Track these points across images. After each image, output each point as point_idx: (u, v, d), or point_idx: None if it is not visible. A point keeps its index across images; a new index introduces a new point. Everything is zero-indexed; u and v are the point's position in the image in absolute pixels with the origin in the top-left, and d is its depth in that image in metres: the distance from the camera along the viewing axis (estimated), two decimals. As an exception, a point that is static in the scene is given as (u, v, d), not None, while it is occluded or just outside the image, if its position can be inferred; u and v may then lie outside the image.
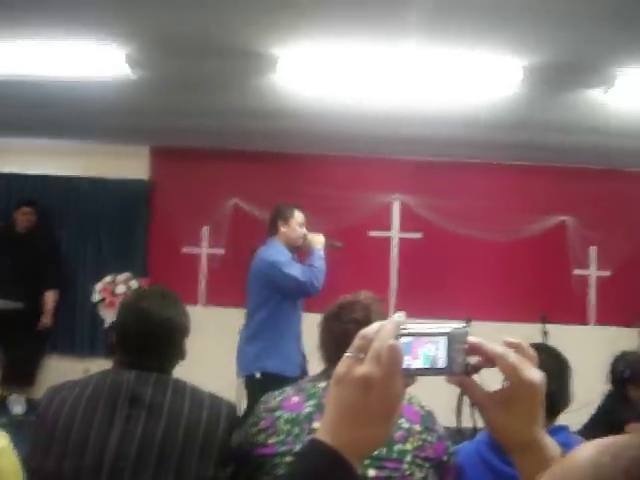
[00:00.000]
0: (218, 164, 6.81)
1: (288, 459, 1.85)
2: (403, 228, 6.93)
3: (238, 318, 6.57)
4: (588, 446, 0.58)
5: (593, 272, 6.90)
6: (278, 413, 1.92)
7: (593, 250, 6.85)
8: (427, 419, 1.93)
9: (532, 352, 0.90)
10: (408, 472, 1.80)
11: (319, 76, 4.59)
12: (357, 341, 0.85)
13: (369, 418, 0.81)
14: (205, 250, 6.95)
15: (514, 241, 6.71)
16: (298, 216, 4.56)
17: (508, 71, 4.13)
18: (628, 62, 4.19)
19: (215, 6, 3.78)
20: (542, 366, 2.20)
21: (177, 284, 6.75)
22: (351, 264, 6.77)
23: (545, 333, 6.22)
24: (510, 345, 0.88)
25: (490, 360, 0.86)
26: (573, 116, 5.14)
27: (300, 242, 4.48)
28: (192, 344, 6.74)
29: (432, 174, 6.81)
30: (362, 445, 0.83)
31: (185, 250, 6.93)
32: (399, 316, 0.87)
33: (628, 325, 6.64)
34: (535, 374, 0.86)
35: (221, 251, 6.89)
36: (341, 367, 0.85)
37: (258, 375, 4.28)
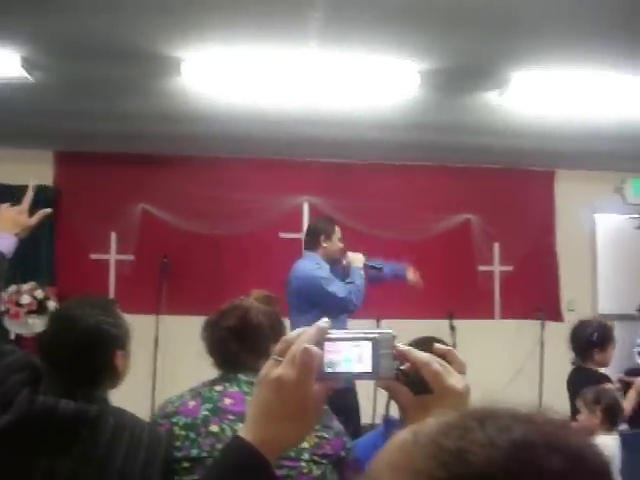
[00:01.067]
0: (124, 168, 6.68)
1: (185, 464, 1.85)
2: (313, 229, 6.97)
3: (150, 325, 6.51)
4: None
5: (497, 267, 7.17)
6: (175, 419, 1.92)
7: (496, 246, 7.11)
8: (324, 416, 1.97)
9: (461, 360, 0.93)
10: (306, 470, 1.84)
11: (224, 79, 4.56)
12: (279, 344, 0.89)
13: (283, 417, 0.85)
14: (114, 256, 6.81)
15: (421, 240, 6.88)
16: (338, 231, 4.70)
17: (406, 75, 4.24)
18: (521, 66, 4.37)
19: (117, 8, 3.71)
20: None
21: (85, 291, 6.62)
22: (263, 265, 6.79)
23: (452, 328, 6.42)
24: (439, 351, 0.93)
25: (415, 366, 0.89)
26: (471, 118, 5.33)
27: (338, 256, 4.54)
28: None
29: (340, 176, 6.91)
30: (277, 442, 0.87)
31: (93, 257, 6.77)
32: (324, 322, 0.90)
33: (530, 317, 6.93)
34: (458, 382, 0.89)
35: (130, 257, 6.77)
36: (263, 369, 0.89)
37: None
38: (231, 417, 1.90)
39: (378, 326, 6.50)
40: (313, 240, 4.63)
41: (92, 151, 6.54)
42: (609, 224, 7.71)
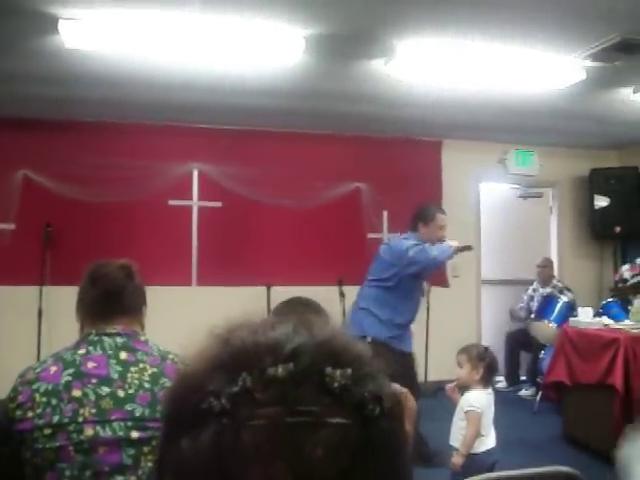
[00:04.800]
0: (3, 132, 6.35)
1: (47, 432, 1.80)
2: (203, 197, 6.90)
3: (33, 296, 6.28)
4: None
5: (385, 235, 7.32)
6: (35, 386, 1.86)
7: (385, 214, 7.26)
8: None
9: (411, 402, 0.94)
10: None
11: (106, 38, 4.36)
12: None
13: None
14: (-8, 225, 6.49)
15: (311, 208, 6.93)
16: (439, 219, 4.81)
17: (290, 41, 4.21)
18: (406, 34, 4.41)
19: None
20: (303, 318, 2.31)
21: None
22: (152, 234, 6.68)
23: (342, 294, 6.53)
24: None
25: None
26: (357, 86, 5.36)
27: (435, 242, 4.69)
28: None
29: (230, 143, 6.84)
30: None
31: (-30, 226, 6.44)
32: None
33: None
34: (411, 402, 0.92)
35: (11, 226, 6.47)
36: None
37: None
38: (94, 381, 1.86)
39: (268, 293, 6.53)
40: (414, 223, 4.92)
41: (-34, 114, 6.18)
42: (492, 193, 8.02)
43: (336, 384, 0.56)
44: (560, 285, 7.23)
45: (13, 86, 5.46)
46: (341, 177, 7.08)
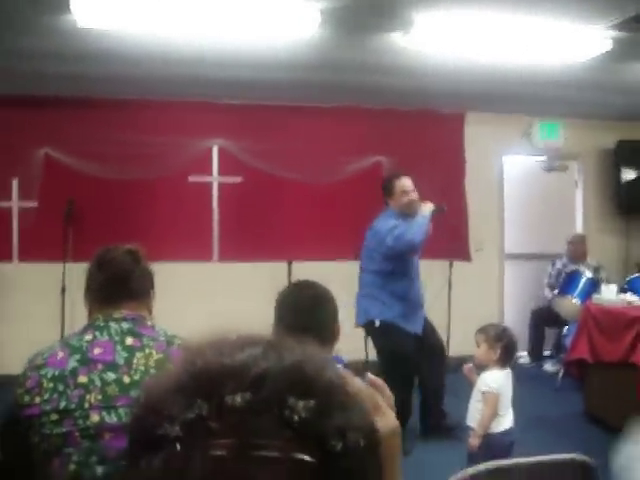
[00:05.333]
0: (25, 111, 6.38)
1: (54, 417, 1.82)
2: (223, 173, 6.89)
3: (56, 273, 6.34)
4: None
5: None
6: (43, 371, 1.87)
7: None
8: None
9: (389, 393, 0.91)
10: None
11: (124, 14, 4.31)
12: None
13: None
14: (16, 204, 6.55)
15: (332, 182, 6.88)
16: (399, 185, 4.77)
17: (305, 13, 4.14)
18: (424, 6, 4.32)
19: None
20: (299, 302, 2.27)
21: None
22: (173, 210, 6.70)
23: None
24: (372, 383, 0.91)
25: None
26: (375, 59, 5.27)
27: (410, 209, 4.68)
28: (9, 301, 6.44)
29: (250, 118, 6.79)
30: None
31: (-6, 205, 6.51)
32: None
33: (439, 258, 7.03)
34: (387, 424, 0.89)
35: (33, 204, 6.53)
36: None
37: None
38: (100, 367, 1.87)
39: (289, 268, 6.51)
40: (384, 200, 4.88)
41: (-13, 92, 6.21)
42: (516, 166, 7.89)
43: (296, 417, 0.53)
44: (594, 264, 7.03)
45: (31, 64, 5.45)
46: (362, 151, 7.01)
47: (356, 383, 0.88)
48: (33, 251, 6.46)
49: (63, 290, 6.32)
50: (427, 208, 4.72)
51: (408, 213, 4.72)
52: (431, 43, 4.88)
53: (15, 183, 6.53)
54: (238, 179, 6.85)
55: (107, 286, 2.04)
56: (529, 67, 5.56)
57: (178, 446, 0.52)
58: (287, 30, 4.42)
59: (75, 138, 6.45)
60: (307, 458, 0.52)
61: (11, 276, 6.47)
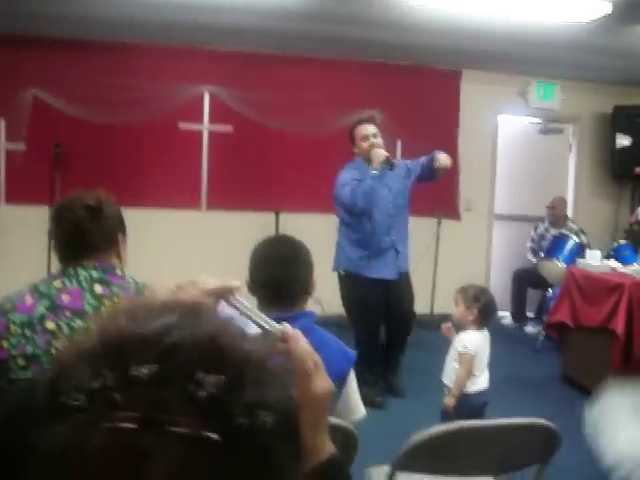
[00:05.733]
0: (12, 51, 6.24)
1: (20, 362, 1.82)
2: (214, 121, 6.80)
3: (42, 216, 6.30)
4: None
5: (399, 166, 7.20)
6: (11, 316, 1.87)
7: (398, 143, 7.11)
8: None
9: (302, 347, 0.89)
10: None
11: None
12: (184, 282, 0.86)
13: None
14: (3, 145, 6.47)
15: (323, 134, 6.80)
16: (359, 132, 4.73)
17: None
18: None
19: None
20: (277, 256, 2.25)
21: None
22: (162, 156, 6.64)
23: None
24: (285, 334, 0.87)
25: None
26: (369, 11, 5.16)
27: (370, 156, 4.58)
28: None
29: (243, 66, 6.68)
30: None
31: (-20, 144, 6.43)
32: (235, 283, 0.88)
33: (428, 215, 7.03)
34: (320, 386, 0.86)
35: (21, 146, 6.45)
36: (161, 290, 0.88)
37: None
38: (68, 314, 1.87)
39: (277, 219, 6.50)
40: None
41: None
42: (511, 126, 7.83)
43: (203, 392, 0.51)
44: (575, 227, 7.06)
45: (20, 4, 5.32)
46: (355, 104, 6.90)
47: (301, 346, 0.88)
48: (20, 193, 6.41)
49: (50, 233, 6.29)
50: (376, 160, 4.56)
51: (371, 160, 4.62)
52: (428, -2, 4.78)
53: (2, 124, 6.43)
54: (229, 128, 6.76)
55: (67, 243, 2.03)
56: (528, 26, 5.46)
57: (79, 417, 0.50)
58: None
59: (64, 80, 6.34)
60: (212, 436, 0.50)
61: (-3, 218, 6.43)
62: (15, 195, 6.45)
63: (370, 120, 4.96)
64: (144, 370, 0.51)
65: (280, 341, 0.87)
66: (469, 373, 3.48)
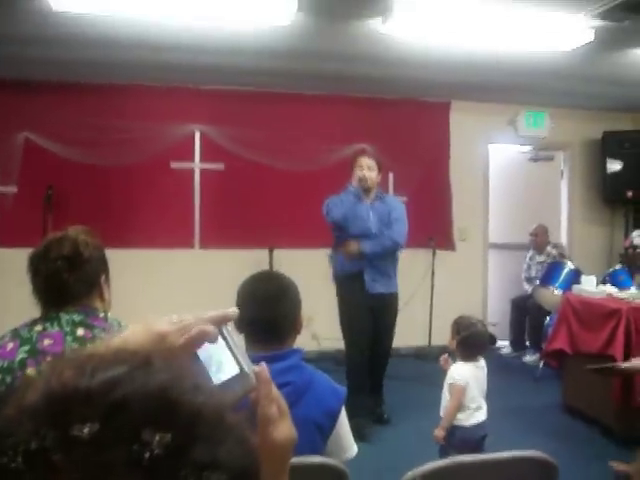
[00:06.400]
0: (4, 95, 6.29)
1: None
2: (205, 159, 6.82)
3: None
4: None
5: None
6: None
7: (390, 176, 7.13)
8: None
9: (284, 404, 0.87)
10: None
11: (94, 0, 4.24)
12: (185, 315, 0.86)
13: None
14: (-5, 188, 6.48)
15: (315, 170, 6.82)
16: (357, 161, 5.11)
17: (282, 0, 4.07)
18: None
19: None
20: (264, 294, 2.21)
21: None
22: (155, 196, 6.64)
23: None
24: (257, 375, 0.86)
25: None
26: (355, 46, 5.18)
27: (361, 183, 4.98)
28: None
29: (232, 104, 6.73)
30: None
31: (-28, 189, 6.42)
32: (233, 311, 0.87)
33: (423, 246, 7.04)
34: (283, 434, 0.84)
35: (13, 189, 6.45)
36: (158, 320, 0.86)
37: None
38: (49, 359, 1.83)
39: (271, 255, 6.48)
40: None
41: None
42: (502, 155, 7.86)
43: (147, 454, 0.47)
44: (554, 252, 7.12)
45: (9, 49, 5.35)
46: (346, 139, 6.95)
47: (268, 391, 0.85)
48: (12, 236, 6.38)
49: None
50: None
51: (362, 188, 4.97)
52: (411, 31, 4.80)
53: (-6, 167, 6.44)
54: (220, 166, 6.78)
55: (45, 293, 1.99)
56: (514, 56, 5.50)
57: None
58: (265, 17, 4.34)
59: (56, 122, 6.37)
60: None
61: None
62: (7, 238, 6.42)
63: (370, 154, 5.33)
64: (85, 429, 0.47)
65: (252, 384, 0.84)
66: (459, 404, 3.42)
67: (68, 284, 1.97)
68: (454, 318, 3.68)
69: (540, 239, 7.27)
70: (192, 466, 0.48)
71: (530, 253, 7.37)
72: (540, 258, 7.12)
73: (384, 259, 4.95)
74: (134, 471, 0.46)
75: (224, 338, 0.87)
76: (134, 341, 0.83)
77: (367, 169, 4.98)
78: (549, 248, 7.22)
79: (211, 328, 0.84)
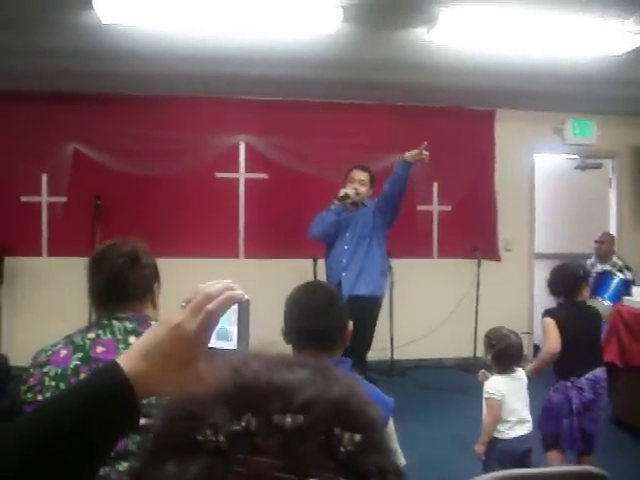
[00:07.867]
0: (54, 107, 6.44)
1: None
2: (249, 169, 6.88)
3: (83, 268, 6.39)
4: None
5: (435, 207, 7.17)
6: (46, 369, 1.86)
7: (435, 186, 7.09)
8: None
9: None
10: None
11: (148, 11, 4.31)
12: (191, 293, 0.90)
13: (166, 360, 0.87)
14: (45, 199, 6.63)
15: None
16: (350, 173, 5.27)
17: (327, 10, 4.09)
18: (448, 1, 4.25)
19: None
20: (311, 304, 2.21)
21: (17, 236, 6.47)
22: (200, 206, 6.71)
23: (390, 268, 6.42)
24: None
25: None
26: (400, 55, 5.19)
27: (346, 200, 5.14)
28: (38, 296, 6.51)
29: (276, 114, 6.77)
30: (151, 381, 0.87)
31: (23, 199, 6.59)
32: (240, 293, 0.90)
33: (468, 257, 6.98)
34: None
35: (62, 199, 6.60)
36: (172, 312, 0.90)
37: None
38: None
39: (315, 265, 6.48)
40: None
41: (16, 89, 6.27)
42: (548, 164, 7.74)
43: (342, 449, 0.51)
44: (620, 263, 6.90)
45: (59, 62, 5.49)
46: (389, 148, 6.90)
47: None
48: (61, 246, 6.53)
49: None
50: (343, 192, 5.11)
51: (344, 204, 5.15)
52: (456, 39, 4.79)
53: (44, 178, 6.60)
54: (264, 175, 6.84)
55: (104, 291, 2.03)
56: (558, 63, 5.44)
57: (218, 457, 0.51)
58: (311, 27, 4.37)
59: (103, 134, 6.50)
60: None
61: (40, 271, 6.56)
62: (57, 247, 6.57)
63: (364, 168, 5.39)
64: (288, 419, 0.51)
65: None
66: (496, 419, 3.34)
67: (128, 282, 2.01)
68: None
69: (606, 247, 7.05)
70: (375, 466, 0.53)
71: (591, 260, 7.13)
72: (599, 268, 6.87)
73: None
74: (328, 462, 0.51)
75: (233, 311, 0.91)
76: (154, 338, 0.89)
77: (358, 183, 5.12)
78: (615, 258, 7.01)
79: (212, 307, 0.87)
